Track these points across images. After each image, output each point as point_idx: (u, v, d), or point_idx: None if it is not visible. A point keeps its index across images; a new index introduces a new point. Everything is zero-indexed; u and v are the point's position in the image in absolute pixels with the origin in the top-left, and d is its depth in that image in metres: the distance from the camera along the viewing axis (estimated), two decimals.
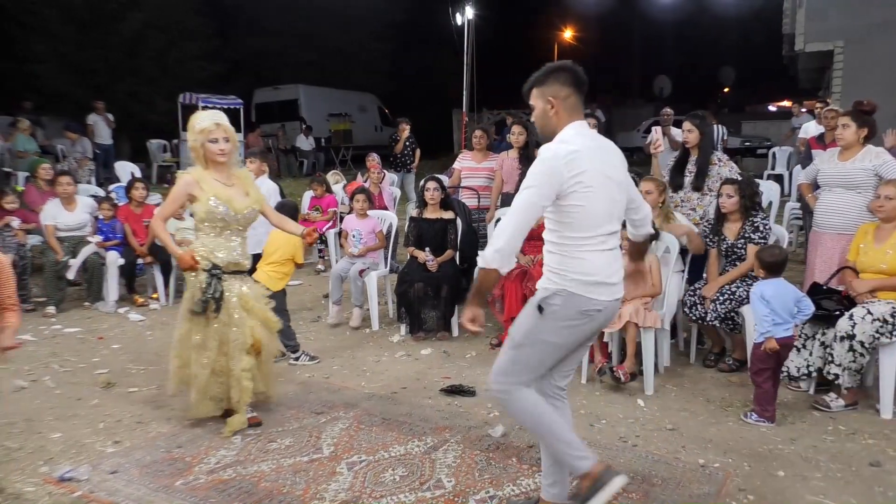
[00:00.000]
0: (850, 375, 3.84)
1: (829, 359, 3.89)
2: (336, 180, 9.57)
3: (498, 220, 4.67)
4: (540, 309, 2.57)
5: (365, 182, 8.07)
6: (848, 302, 4.02)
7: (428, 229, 5.58)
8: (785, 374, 4.08)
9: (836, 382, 3.90)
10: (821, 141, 7.01)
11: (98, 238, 6.43)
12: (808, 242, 4.91)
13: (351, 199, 6.30)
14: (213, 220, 3.59)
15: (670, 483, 3.12)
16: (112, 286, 6.29)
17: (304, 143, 19.07)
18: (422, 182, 5.86)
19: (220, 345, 3.61)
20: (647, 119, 23.17)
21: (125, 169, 11.93)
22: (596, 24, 33.59)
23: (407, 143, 10.67)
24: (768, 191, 7.58)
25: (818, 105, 8.99)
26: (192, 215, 3.79)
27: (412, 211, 6.10)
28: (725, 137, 10.93)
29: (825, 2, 10.94)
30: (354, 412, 3.94)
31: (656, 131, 5.49)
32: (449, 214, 5.63)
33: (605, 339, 4.50)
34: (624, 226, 2.86)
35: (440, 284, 5.34)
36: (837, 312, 3.93)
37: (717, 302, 4.40)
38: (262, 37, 25.64)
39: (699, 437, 3.62)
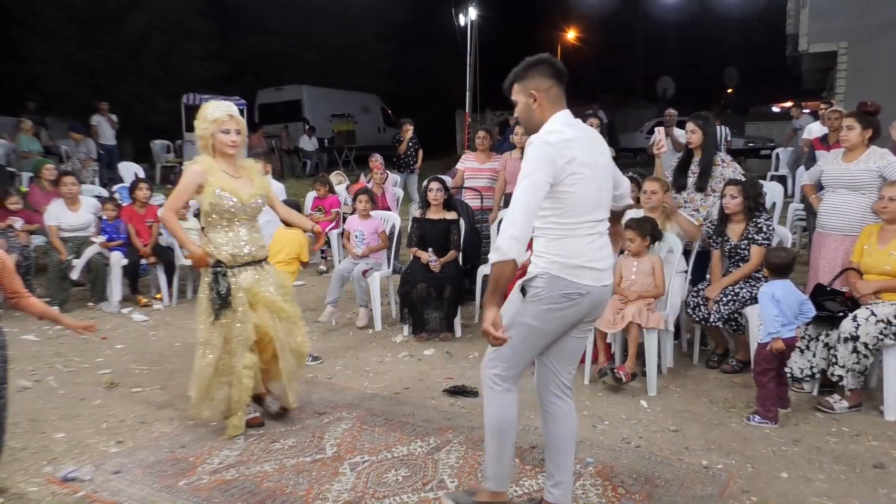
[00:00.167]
0: (853, 377, 3.84)
1: (833, 360, 3.89)
2: (339, 181, 9.58)
3: (500, 220, 4.69)
4: (523, 291, 2.61)
5: (368, 182, 8.08)
6: (852, 303, 4.01)
7: (431, 230, 5.58)
8: (789, 375, 4.08)
9: (839, 384, 3.89)
10: (824, 142, 6.99)
11: (102, 238, 6.44)
12: (812, 243, 4.90)
13: (354, 199, 6.31)
14: (221, 212, 3.54)
15: (673, 484, 3.12)
16: (115, 286, 6.31)
17: (307, 143, 19.09)
18: (425, 183, 5.86)
19: (225, 342, 3.57)
20: (651, 120, 23.14)
21: (129, 169, 11.95)
22: (599, 25, 33.57)
23: (410, 144, 10.68)
24: (772, 192, 7.57)
25: (823, 106, 8.97)
26: (195, 214, 3.77)
27: (415, 211, 6.10)
28: (729, 138, 10.92)
29: (829, 2, 10.92)
30: (357, 412, 3.94)
31: (659, 132, 5.48)
32: (452, 215, 5.63)
33: (608, 340, 4.50)
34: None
35: (443, 285, 5.34)
36: (841, 314, 3.93)
37: (721, 303, 4.39)
38: (265, 37, 25.66)
39: (702, 438, 3.61)
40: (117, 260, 6.32)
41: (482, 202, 6.42)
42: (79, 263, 6.18)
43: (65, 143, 13.04)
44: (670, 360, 4.63)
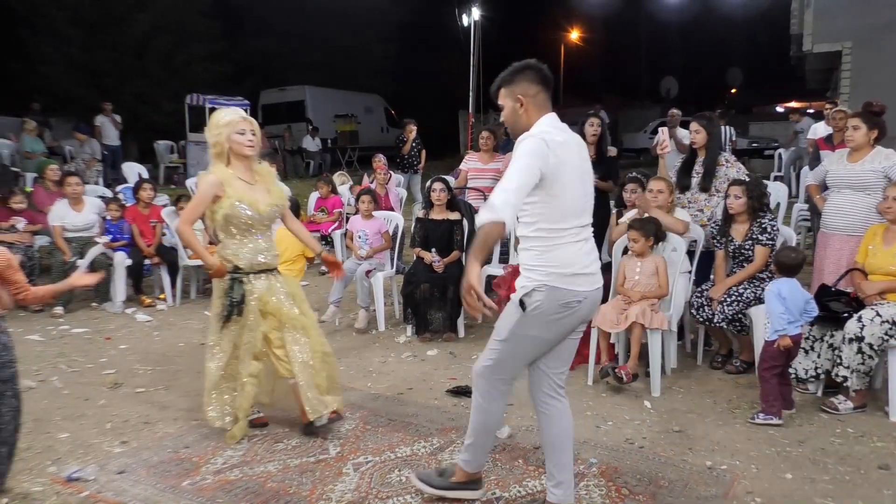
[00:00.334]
0: (858, 378, 3.83)
1: (838, 361, 3.88)
2: (342, 181, 9.59)
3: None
4: (522, 306, 2.63)
5: (371, 183, 8.08)
6: (856, 304, 4.00)
7: (434, 230, 5.58)
8: (793, 375, 4.07)
9: (844, 385, 3.88)
10: (829, 142, 6.98)
11: (105, 239, 6.46)
12: (816, 244, 4.88)
13: (356, 200, 6.31)
14: (238, 224, 3.51)
15: (677, 485, 3.11)
16: (119, 287, 6.31)
17: (311, 144, 19.12)
18: (428, 183, 5.86)
19: (234, 348, 3.56)
20: (654, 120, 23.12)
21: (132, 170, 11.99)
22: (603, 26, 33.55)
23: (413, 145, 10.69)
24: (776, 192, 7.55)
25: (828, 106, 8.95)
26: (202, 219, 3.73)
27: (418, 212, 6.10)
28: (734, 138, 10.91)
29: (833, 2, 10.89)
30: (360, 413, 3.94)
31: (663, 132, 5.47)
32: (455, 215, 5.63)
33: (611, 341, 4.49)
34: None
35: (446, 285, 5.34)
36: (846, 314, 3.92)
37: (725, 303, 4.38)
38: (269, 38, 25.71)
39: (706, 438, 3.60)
40: (121, 260, 6.33)
41: (485, 202, 6.41)
42: (83, 264, 6.19)
43: (69, 144, 13.09)
44: (674, 360, 4.63)
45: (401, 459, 3.37)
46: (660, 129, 5.70)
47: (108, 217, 6.62)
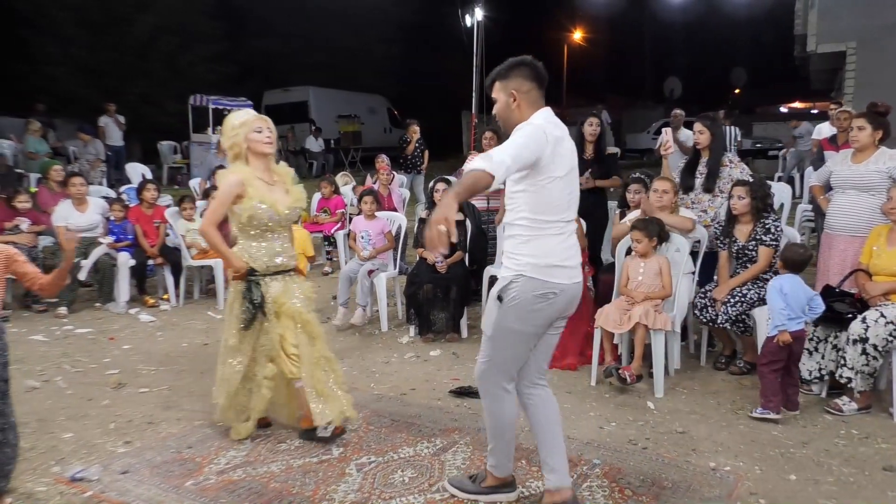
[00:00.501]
0: (862, 379, 3.81)
1: (842, 362, 3.86)
2: (345, 181, 9.60)
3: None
4: (500, 299, 2.71)
5: (374, 183, 8.08)
6: (861, 305, 3.99)
7: None
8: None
9: (848, 386, 3.87)
10: (833, 142, 6.96)
11: (109, 239, 6.47)
12: (820, 244, 4.87)
13: (359, 200, 6.31)
14: (258, 225, 3.46)
15: (681, 486, 3.10)
16: (123, 287, 6.33)
17: (314, 144, 19.14)
18: (431, 183, 5.86)
19: (252, 351, 3.53)
20: (658, 121, 23.11)
21: (136, 170, 12.02)
22: (606, 26, 33.53)
23: (416, 145, 10.69)
24: (780, 193, 7.54)
25: (832, 106, 8.93)
26: (202, 215, 3.73)
27: (421, 212, 6.10)
28: (739, 139, 10.91)
29: (837, 2, 10.85)
30: (363, 413, 3.94)
31: (667, 132, 5.46)
32: (458, 216, 5.60)
33: (615, 341, 4.49)
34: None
35: (449, 286, 5.33)
36: (850, 315, 3.91)
37: (728, 304, 4.37)
38: (272, 39, 25.75)
39: (710, 439, 3.60)
40: (125, 260, 6.34)
41: (488, 203, 6.41)
42: (86, 264, 6.21)
43: (73, 144, 13.13)
44: (677, 361, 4.62)
45: (404, 460, 3.37)
46: (663, 129, 5.69)
47: (112, 217, 6.64)
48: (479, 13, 18.52)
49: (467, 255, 5.62)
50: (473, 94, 17.98)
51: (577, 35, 34.32)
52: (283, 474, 3.24)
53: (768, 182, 5.27)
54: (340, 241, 7.82)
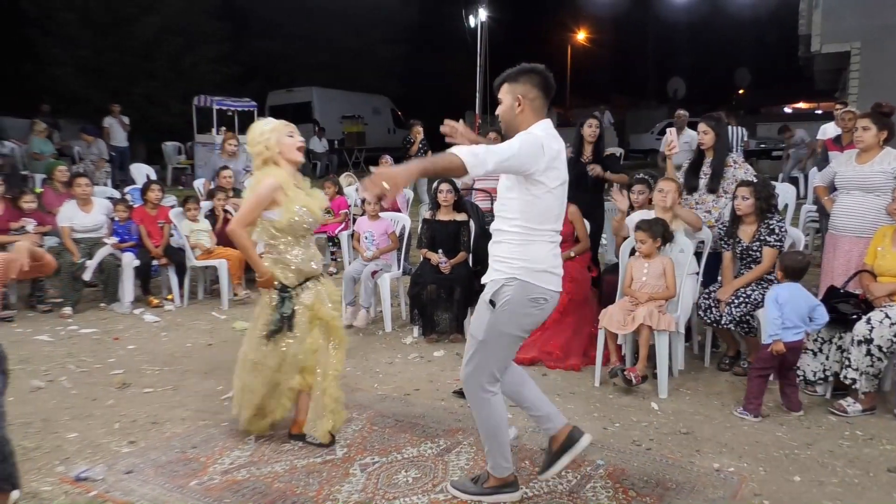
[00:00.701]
0: (867, 380, 3.81)
1: (847, 363, 3.86)
2: (349, 182, 9.60)
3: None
4: (492, 304, 2.76)
5: None
6: (865, 306, 3.98)
7: (441, 231, 5.58)
8: (801, 377, 4.05)
9: (853, 387, 3.86)
10: (838, 143, 6.94)
11: (114, 239, 6.49)
12: (825, 245, 4.86)
13: (363, 201, 6.32)
14: (295, 232, 3.37)
15: (685, 487, 3.10)
16: (127, 287, 6.34)
17: (318, 145, 19.14)
18: (435, 184, 5.86)
19: (280, 362, 3.44)
20: (662, 121, 23.06)
21: (140, 171, 12.03)
22: (610, 26, 33.53)
23: (420, 146, 10.70)
24: (784, 193, 7.52)
25: (837, 106, 8.92)
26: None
27: (425, 213, 6.10)
28: (746, 139, 10.90)
29: (842, 2, 10.83)
30: (367, 414, 3.94)
31: (671, 132, 5.46)
32: (462, 216, 5.63)
33: (619, 342, 4.48)
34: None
35: (453, 286, 5.34)
36: (855, 316, 3.90)
37: (732, 305, 4.36)
38: (276, 40, 25.79)
39: (714, 440, 3.59)
40: (129, 261, 6.35)
41: (492, 204, 6.40)
42: (91, 264, 6.22)
43: (77, 145, 13.17)
44: (681, 362, 4.61)
45: (407, 460, 3.37)
46: (668, 129, 5.69)
47: (116, 218, 6.65)
48: (482, 14, 18.53)
49: (471, 255, 5.63)
50: (477, 95, 17.99)
51: (581, 35, 34.34)
52: (287, 474, 3.24)
53: (772, 182, 5.26)
54: (344, 242, 7.83)
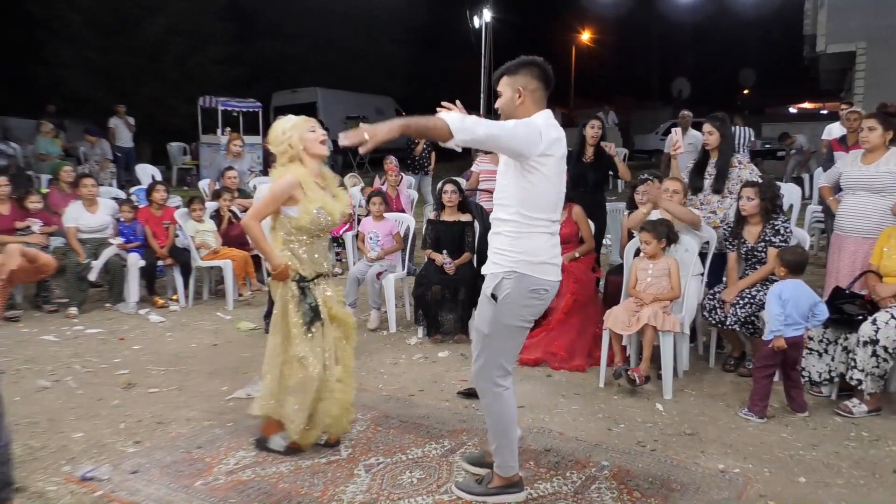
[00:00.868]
0: (873, 381, 3.79)
1: (852, 364, 3.85)
2: (353, 183, 9.61)
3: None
4: (493, 298, 2.79)
5: (382, 185, 8.10)
6: (871, 306, 3.97)
7: (445, 232, 5.58)
8: (806, 378, 4.04)
9: (858, 388, 3.85)
10: (843, 143, 6.92)
11: (119, 240, 6.50)
12: (830, 246, 4.85)
13: (368, 201, 6.33)
14: (311, 231, 3.35)
15: (689, 488, 3.09)
16: (133, 288, 6.36)
17: None
18: (439, 185, 5.87)
19: (324, 351, 3.41)
20: (666, 121, 23.02)
21: (146, 172, 12.07)
22: (614, 27, 33.48)
23: (424, 146, 10.71)
24: (789, 193, 7.50)
25: (842, 107, 8.89)
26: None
27: (429, 213, 6.10)
28: (753, 139, 10.90)
29: (847, 2, 10.80)
30: (372, 414, 3.95)
31: (676, 132, 5.45)
32: (466, 217, 5.63)
33: (623, 343, 4.48)
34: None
35: (457, 287, 5.34)
36: (860, 317, 3.89)
37: (737, 306, 4.36)
38: (281, 41, 25.82)
39: (719, 441, 3.59)
40: (135, 261, 6.37)
41: None
42: (97, 265, 6.24)
43: (83, 146, 13.21)
44: (686, 363, 4.60)
45: (412, 461, 3.38)
46: (673, 129, 5.68)
47: (122, 218, 6.67)
48: (487, 14, 18.54)
49: (475, 256, 5.63)
50: (482, 96, 17.99)
51: (586, 36, 34.30)
52: (292, 475, 3.25)
53: (777, 183, 5.24)
54: (349, 243, 7.84)
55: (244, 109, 16.55)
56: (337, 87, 23.53)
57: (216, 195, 7.38)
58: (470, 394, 4.22)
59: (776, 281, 4.34)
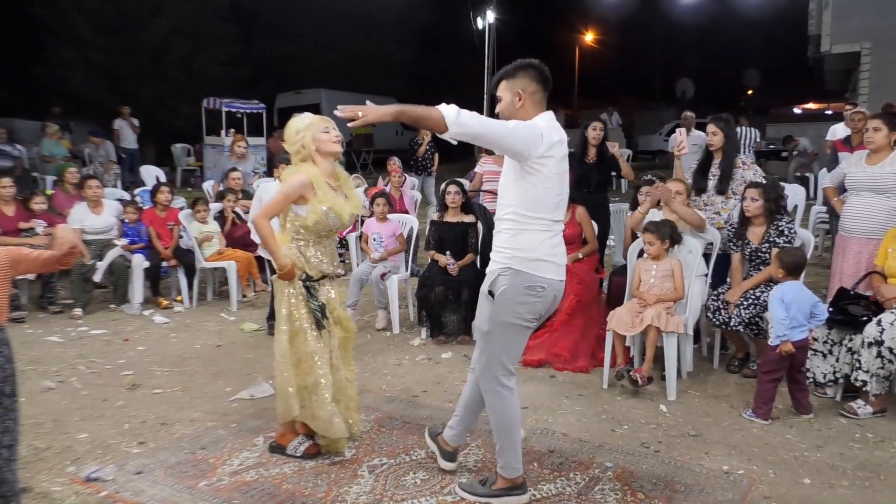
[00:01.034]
0: (878, 382, 3.78)
1: (857, 365, 3.83)
2: (357, 184, 9.62)
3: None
4: (491, 294, 2.81)
5: (386, 186, 8.10)
6: (876, 307, 3.96)
7: (449, 233, 5.58)
8: (811, 379, 4.03)
9: (863, 389, 3.84)
10: (847, 143, 6.90)
11: (124, 241, 6.52)
12: (835, 247, 4.84)
13: (371, 202, 6.33)
14: (319, 231, 3.34)
15: (693, 490, 3.09)
16: (137, 289, 6.38)
17: None
18: (443, 186, 5.87)
19: (334, 349, 3.43)
20: (670, 122, 23.00)
21: (150, 173, 12.10)
22: (618, 28, 33.45)
23: (427, 147, 10.72)
24: (793, 194, 7.48)
25: (847, 107, 8.87)
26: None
27: (433, 214, 6.11)
28: (758, 140, 10.88)
29: (852, 2, 10.78)
30: (375, 415, 3.95)
31: (680, 133, 5.44)
32: (470, 218, 5.63)
33: (626, 344, 4.47)
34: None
35: (461, 288, 5.34)
36: (865, 318, 3.88)
37: (741, 307, 4.35)
38: (284, 42, 25.86)
39: (723, 443, 3.58)
40: (139, 262, 6.39)
41: None
42: (101, 266, 6.26)
43: (87, 147, 13.26)
44: (690, 364, 4.60)
45: (415, 462, 3.38)
46: (677, 129, 5.67)
47: (126, 220, 6.69)
48: (490, 15, 18.54)
49: (479, 257, 5.63)
50: (485, 97, 17.98)
51: (589, 37, 34.28)
52: (296, 476, 3.25)
53: (781, 184, 5.23)
54: (352, 244, 7.84)
55: (248, 111, 16.58)
56: (339, 88, 23.55)
57: (220, 196, 7.39)
58: None
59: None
